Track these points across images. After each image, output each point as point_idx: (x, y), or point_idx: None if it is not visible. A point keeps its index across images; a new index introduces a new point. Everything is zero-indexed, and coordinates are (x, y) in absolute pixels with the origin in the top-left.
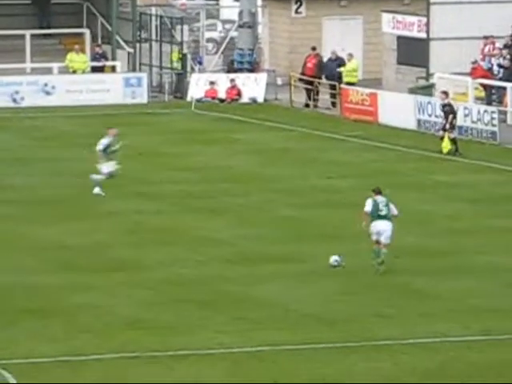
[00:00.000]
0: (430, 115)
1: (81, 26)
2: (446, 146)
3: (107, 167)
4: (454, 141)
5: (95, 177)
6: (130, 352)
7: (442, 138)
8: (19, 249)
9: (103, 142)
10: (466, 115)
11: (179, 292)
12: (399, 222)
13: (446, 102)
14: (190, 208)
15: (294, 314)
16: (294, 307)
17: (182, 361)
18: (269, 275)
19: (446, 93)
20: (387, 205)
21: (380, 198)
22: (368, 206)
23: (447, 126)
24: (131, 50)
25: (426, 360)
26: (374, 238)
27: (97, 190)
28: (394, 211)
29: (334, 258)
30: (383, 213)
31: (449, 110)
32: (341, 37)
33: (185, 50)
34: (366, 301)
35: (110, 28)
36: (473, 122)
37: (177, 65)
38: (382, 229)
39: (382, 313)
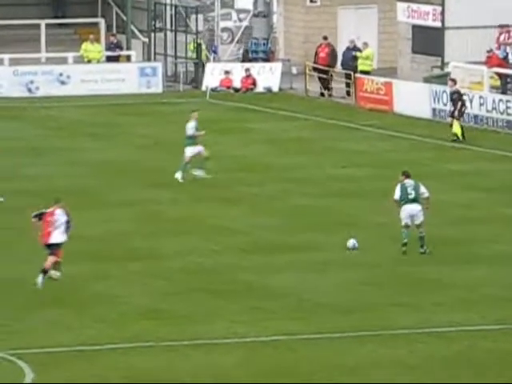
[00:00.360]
0: (445, 104)
1: (96, 16)
2: (458, 131)
3: (196, 149)
4: (461, 128)
5: (198, 172)
6: (145, 341)
7: (451, 126)
8: (34, 239)
9: (191, 126)
10: (481, 104)
11: (195, 281)
12: None
13: (454, 89)
14: (205, 197)
15: (308, 304)
16: (309, 296)
17: (198, 350)
18: (284, 264)
19: (454, 80)
20: (415, 188)
21: (408, 182)
22: (396, 194)
23: (456, 113)
24: (146, 40)
25: (441, 349)
26: (404, 222)
27: (199, 172)
28: (425, 193)
29: (351, 241)
30: (412, 196)
31: (457, 98)
32: (356, 26)
33: (199, 40)
34: (381, 290)
35: (124, 17)
36: (488, 110)
37: (194, 54)
38: (412, 213)
39: (397, 302)
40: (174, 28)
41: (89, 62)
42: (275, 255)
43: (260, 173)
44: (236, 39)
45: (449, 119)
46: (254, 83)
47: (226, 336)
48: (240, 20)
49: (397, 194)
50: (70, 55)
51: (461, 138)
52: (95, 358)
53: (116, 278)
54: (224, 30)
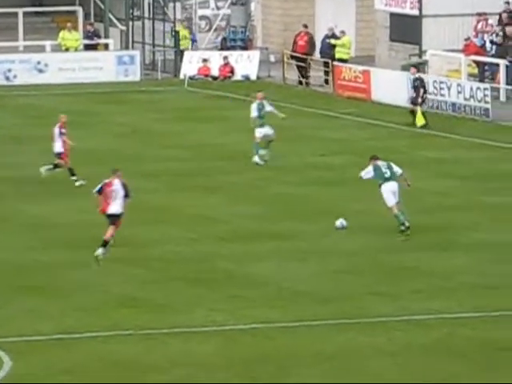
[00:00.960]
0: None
1: (73, 4)
2: (420, 120)
3: (260, 132)
4: (423, 114)
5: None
6: (124, 330)
7: (412, 112)
8: (13, 226)
9: (254, 108)
10: (458, 92)
11: (173, 270)
12: None
13: (416, 75)
14: (183, 186)
15: (287, 292)
16: (288, 285)
17: (176, 338)
18: (263, 253)
19: (416, 67)
20: (389, 167)
21: (380, 162)
22: (368, 173)
23: (419, 100)
24: (124, 28)
25: (420, 336)
26: (391, 203)
27: (256, 158)
28: (399, 171)
29: (339, 221)
30: (388, 175)
31: (419, 84)
32: (333, 14)
33: (178, 28)
34: (361, 278)
35: (102, 6)
36: (465, 98)
37: (182, 42)
38: (393, 189)
39: (376, 290)
40: (151, 16)
41: (66, 50)
42: (255, 244)
43: (239, 161)
44: (214, 27)
45: (411, 107)
46: (232, 71)
47: (204, 324)
48: (218, 8)
49: (368, 173)
50: (48, 43)
51: (423, 125)
52: (74, 346)
53: (94, 267)
54: (202, 18)
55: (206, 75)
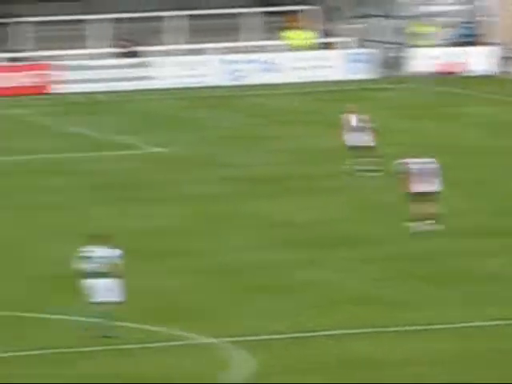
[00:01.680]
0: None
1: (304, 3)
2: None
3: None
4: None
5: None
6: (357, 328)
7: None
8: (246, 226)
9: None
10: None
11: (405, 267)
12: None
13: None
14: None
15: None
16: None
17: (409, 335)
18: (498, 248)
19: None
20: None
21: None
22: None
23: None
24: (356, 26)
25: None
26: None
27: None
28: None
29: None
30: None
31: None
32: None
33: (404, 25)
34: None
35: (334, 4)
36: None
37: (415, 39)
38: None
39: None
40: (383, 14)
41: (295, 49)
42: (487, 239)
43: (474, 157)
44: (445, 24)
45: None
46: (464, 67)
47: (439, 322)
48: (449, 4)
49: None
50: (277, 43)
51: None
52: (310, 344)
53: (326, 264)
54: (433, 14)
55: (439, 72)
